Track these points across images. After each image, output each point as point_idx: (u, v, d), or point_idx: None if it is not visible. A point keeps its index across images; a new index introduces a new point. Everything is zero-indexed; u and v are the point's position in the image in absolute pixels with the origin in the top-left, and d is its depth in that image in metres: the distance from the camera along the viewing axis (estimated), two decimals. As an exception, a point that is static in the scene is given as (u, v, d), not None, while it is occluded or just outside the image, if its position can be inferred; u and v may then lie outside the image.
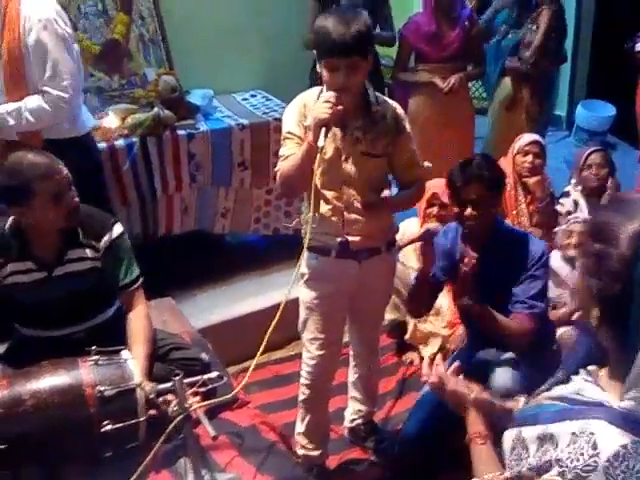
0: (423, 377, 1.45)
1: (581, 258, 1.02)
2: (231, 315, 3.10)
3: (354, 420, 2.58)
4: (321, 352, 2.22)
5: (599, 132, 5.76)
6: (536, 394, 1.14)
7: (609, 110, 5.74)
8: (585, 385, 1.04)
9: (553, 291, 2.75)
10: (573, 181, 3.53)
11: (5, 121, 2.49)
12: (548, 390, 1.11)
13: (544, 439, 1.01)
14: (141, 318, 2.04)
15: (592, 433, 0.94)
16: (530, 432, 1.06)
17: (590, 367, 1.07)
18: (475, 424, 1.29)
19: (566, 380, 1.10)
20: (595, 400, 1.00)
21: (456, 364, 1.46)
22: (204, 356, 2.13)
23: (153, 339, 2.02)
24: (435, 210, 3.07)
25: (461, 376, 1.42)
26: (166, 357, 2.06)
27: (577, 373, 1.08)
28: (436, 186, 3.09)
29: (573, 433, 0.97)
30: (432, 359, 1.52)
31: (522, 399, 1.31)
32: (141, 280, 2.11)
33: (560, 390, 1.08)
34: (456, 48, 3.69)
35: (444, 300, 3.08)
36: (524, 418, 1.11)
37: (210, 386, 1.70)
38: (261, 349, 1.60)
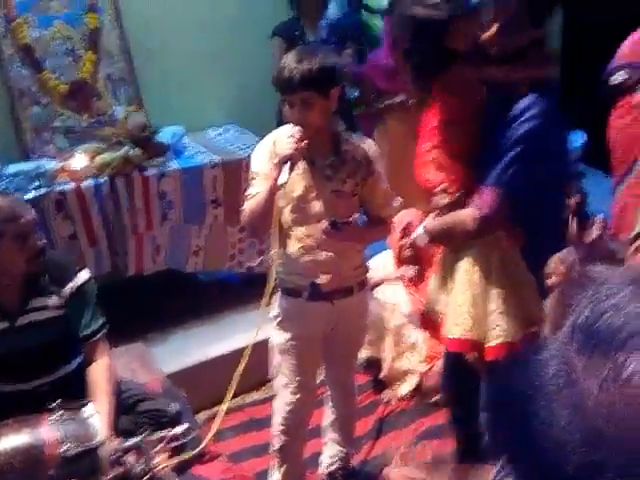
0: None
1: None
2: (205, 357, 3.02)
3: (331, 464, 2.51)
4: (296, 396, 2.17)
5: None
6: None
7: (579, 138, 5.80)
8: None
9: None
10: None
11: None
12: None
13: None
14: (102, 371, 1.97)
15: None
16: None
17: None
18: None
19: None
20: None
21: None
22: (173, 406, 2.05)
23: (116, 392, 1.95)
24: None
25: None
26: (133, 409, 1.99)
27: None
28: (408, 215, 3.06)
29: None
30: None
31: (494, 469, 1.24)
32: (105, 330, 2.05)
33: None
34: None
35: (419, 335, 3.04)
36: None
37: (178, 442, 1.65)
38: (228, 396, 1.58)
